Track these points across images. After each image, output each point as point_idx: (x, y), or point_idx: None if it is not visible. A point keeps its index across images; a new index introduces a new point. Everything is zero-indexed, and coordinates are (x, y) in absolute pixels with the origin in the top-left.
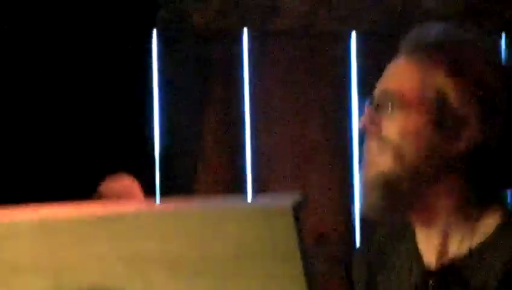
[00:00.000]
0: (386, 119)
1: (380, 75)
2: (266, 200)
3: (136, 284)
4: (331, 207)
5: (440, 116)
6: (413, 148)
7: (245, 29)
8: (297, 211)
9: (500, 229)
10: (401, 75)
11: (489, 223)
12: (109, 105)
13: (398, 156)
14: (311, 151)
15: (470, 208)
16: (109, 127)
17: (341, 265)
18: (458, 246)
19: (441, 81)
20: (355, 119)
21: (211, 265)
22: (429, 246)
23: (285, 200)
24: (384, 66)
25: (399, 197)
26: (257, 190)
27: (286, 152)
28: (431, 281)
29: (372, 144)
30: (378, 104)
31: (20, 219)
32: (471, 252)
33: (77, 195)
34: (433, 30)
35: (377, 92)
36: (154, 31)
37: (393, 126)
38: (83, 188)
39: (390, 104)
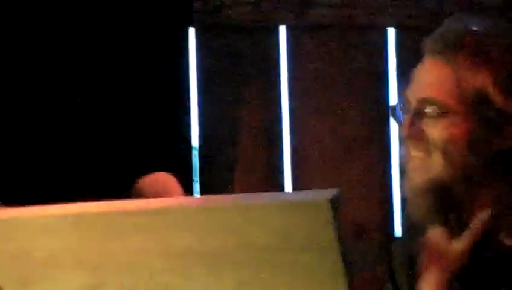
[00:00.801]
0: (429, 126)
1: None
2: (305, 193)
3: (176, 279)
4: (370, 200)
5: (485, 116)
6: (462, 150)
7: (281, 22)
8: (336, 204)
9: None
10: (437, 80)
11: None
12: (146, 101)
13: (447, 159)
14: (350, 145)
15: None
16: (146, 124)
17: (382, 257)
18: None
19: (481, 80)
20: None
21: (250, 258)
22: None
23: (324, 194)
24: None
25: (451, 200)
26: (295, 184)
27: (324, 146)
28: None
29: (417, 151)
30: (417, 112)
31: (59, 213)
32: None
33: (115, 193)
34: (463, 26)
35: (412, 99)
36: (191, 26)
37: (438, 132)
38: (121, 186)
39: (431, 111)
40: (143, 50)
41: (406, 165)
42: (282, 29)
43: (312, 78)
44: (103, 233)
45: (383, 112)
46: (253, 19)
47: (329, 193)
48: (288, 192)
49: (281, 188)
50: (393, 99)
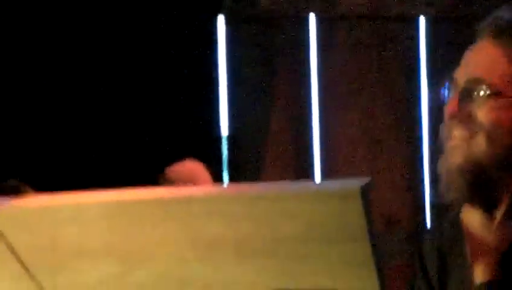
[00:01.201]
0: (477, 106)
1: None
2: (334, 182)
3: (205, 267)
4: (400, 190)
5: None
6: (507, 133)
7: (311, 13)
8: (366, 193)
9: None
10: (489, 61)
11: None
12: (176, 91)
13: (491, 141)
14: (380, 135)
15: None
16: (176, 113)
17: (411, 247)
18: None
19: None
20: (424, 103)
21: (279, 247)
22: None
23: (354, 183)
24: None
25: (486, 183)
26: (325, 175)
27: (354, 136)
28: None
29: (460, 130)
30: (465, 91)
31: (88, 201)
32: None
33: (145, 181)
34: None
35: (461, 79)
36: (221, 16)
37: (485, 112)
38: (150, 174)
39: (480, 91)
40: (173, 40)
41: (445, 143)
42: (312, 20)
43: (342, 68)
44: (132, 221)
45: (413, 101)
46: (283, 9)
47: (359, 181)
48: (318, 181)
49: (310, 177)
50: (424, 89)
